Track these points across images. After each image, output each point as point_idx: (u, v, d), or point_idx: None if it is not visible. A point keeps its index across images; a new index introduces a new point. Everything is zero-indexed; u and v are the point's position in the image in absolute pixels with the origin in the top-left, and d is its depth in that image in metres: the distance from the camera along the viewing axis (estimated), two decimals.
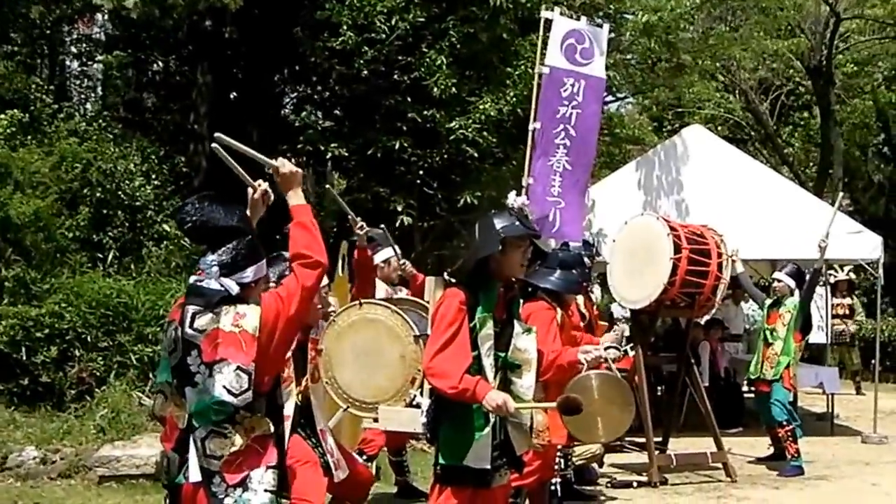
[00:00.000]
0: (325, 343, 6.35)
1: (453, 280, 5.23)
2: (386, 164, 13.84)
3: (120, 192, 13.31)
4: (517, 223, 5.19)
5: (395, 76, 13.74)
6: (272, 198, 4.82)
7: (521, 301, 7.02)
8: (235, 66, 17.35)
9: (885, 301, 27.59)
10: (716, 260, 10.70)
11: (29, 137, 13.28)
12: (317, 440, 6.06)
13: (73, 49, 18.58)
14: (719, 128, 29.15)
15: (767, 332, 11.59)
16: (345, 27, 13.39)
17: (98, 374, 10.95)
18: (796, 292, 11.71)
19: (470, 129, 13.14)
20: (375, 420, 7.02)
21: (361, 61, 13.47)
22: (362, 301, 6.92)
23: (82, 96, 18.65)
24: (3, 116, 12.90)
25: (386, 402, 6.44)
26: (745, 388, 15.30)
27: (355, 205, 13.77)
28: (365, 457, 8.14)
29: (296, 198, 4.61)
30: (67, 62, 18.90)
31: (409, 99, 13.70)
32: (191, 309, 4.28)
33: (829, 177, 26.71)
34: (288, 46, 15.28)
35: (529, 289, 7.53)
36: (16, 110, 13.12)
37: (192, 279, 4.41)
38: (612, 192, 15.81)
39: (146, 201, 13.56)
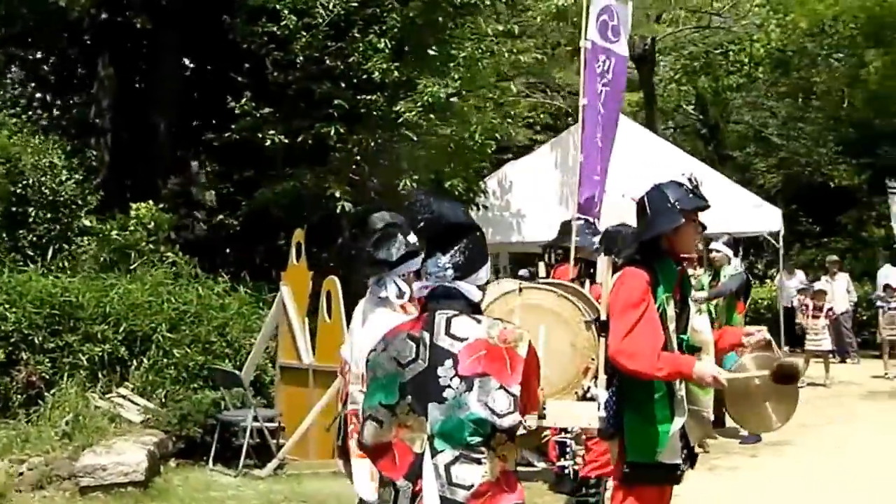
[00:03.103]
0: None
1: (618, 261, 4.50)
2: (321, 151, 12.81)
3: (43, 188, 12.07)
4: (690, 195, 4.49)
5: (328, 61, 12.69)
6: None
7: None
8: (145, 57, 16.05)
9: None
10: None
11: None
12: None
13: None
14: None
15: (711, 307, 11.12)
16: (286, 11, 12.31)
17: (47, 376, 9.79)
18: (734, 260, 11.39)
19: (414, 113, 12.22)
20: (542, 417, 5.98)
21: (298, 47, 12.41)
22: (522, 286, 5.91)
23: None
24: None
25: (554, 397, 5.43)
26: None
27: (297, 193, 12.82)
28: None
29: None
30: None
31: (342, 84, 12.66)
32: (445, 314, 3.38)
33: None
34: (217, 34, 14.07)
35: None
36: None
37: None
38: (527, 173, 15.78)
39: (70, 196, 12.32)
